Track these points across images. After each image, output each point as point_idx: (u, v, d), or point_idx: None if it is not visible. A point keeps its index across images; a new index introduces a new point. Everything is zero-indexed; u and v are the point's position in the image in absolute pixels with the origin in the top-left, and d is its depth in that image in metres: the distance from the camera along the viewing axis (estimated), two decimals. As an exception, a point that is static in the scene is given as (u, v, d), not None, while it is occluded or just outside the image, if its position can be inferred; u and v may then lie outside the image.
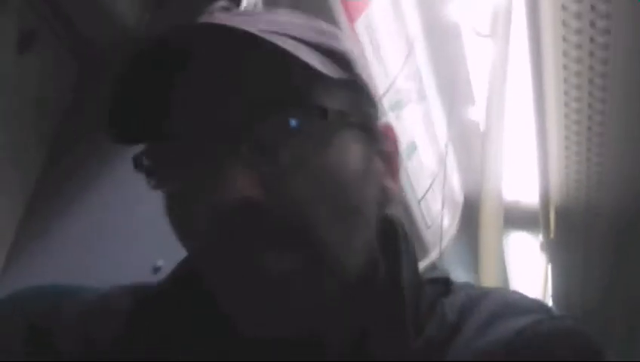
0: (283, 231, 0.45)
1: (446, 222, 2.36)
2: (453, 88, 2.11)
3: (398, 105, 1.77)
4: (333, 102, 0.48)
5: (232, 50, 0.45)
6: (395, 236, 0.54)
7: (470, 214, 2.45)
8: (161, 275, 0.90)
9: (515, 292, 0.55)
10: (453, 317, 0.50)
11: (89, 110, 1.11)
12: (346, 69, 0.50)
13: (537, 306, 0.51)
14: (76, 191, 1.02)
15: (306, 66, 0.45)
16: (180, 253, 0.93)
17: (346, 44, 0.52)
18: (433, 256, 2.20)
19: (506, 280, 3.02)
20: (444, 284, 0.54)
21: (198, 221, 0.46)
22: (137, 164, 0.48)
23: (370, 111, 0.53)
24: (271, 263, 0.44)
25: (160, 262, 0.92)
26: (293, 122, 0.46)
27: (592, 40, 1.73)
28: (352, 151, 0.49)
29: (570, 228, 2.60)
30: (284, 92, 0.47)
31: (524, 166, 2.54)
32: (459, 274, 2.67)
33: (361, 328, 0.49)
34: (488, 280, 2.03)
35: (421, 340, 0.49)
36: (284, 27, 0.48)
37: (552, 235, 2.73)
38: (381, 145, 0.53)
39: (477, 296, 0.52)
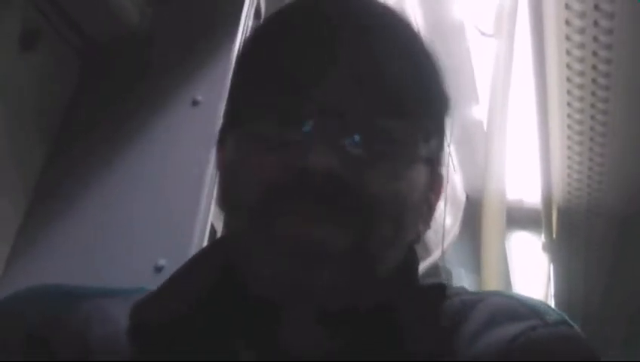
0: (352, 215, 0.47)
1: (448, 222, 2.36)
2: (456, 87, 2.10)
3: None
4: (431, 134, 0.52)
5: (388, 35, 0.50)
6: (413, 264, 0.56)
7: (473, 213, 2.45)
8: (163, 274, 0.90)
9: (511, 297, 0.54)
10: (447, 324, 0.50)
11: (91, 108, 1.10)
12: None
13: (532, 312, 0.50)
14: (78, 190, 1.02)
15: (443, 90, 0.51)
16: (182, 252, 0.93)
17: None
18: (435, 255, 2.20)
19: (508, 279, 3.02)
20: (440, 291, 0.54)
21: (270, 174, 0.47)
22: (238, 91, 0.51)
23: (442, 156, 0.56)
24: (327, 237, 0.46)
25: (162, 261, 0.92)
26: (407, 134, 0.49)
27: (595, 39, 1.72)
28: (421, 186, 0.51)
29: (572, 229, 2.60)
30: (412, 103, 0.49)
31: (526, 165, 2.54)
32: (461, 274, 2.67)
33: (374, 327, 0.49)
34: (490, 279, 2.02)
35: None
36: None
37: (554, 235, 2.73)
38: (432, 193, 0.55)
39: (471, 302, 0.51)
